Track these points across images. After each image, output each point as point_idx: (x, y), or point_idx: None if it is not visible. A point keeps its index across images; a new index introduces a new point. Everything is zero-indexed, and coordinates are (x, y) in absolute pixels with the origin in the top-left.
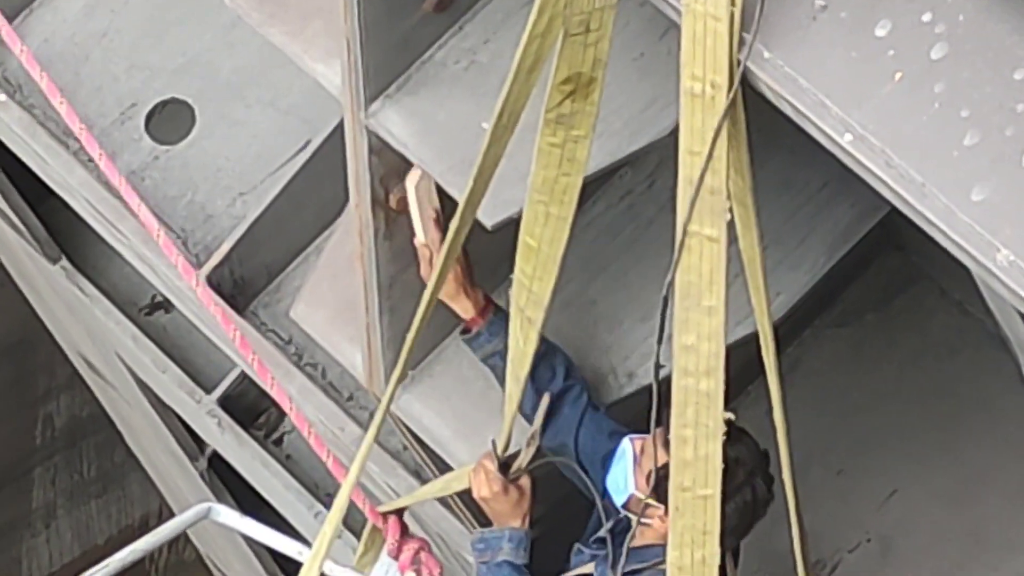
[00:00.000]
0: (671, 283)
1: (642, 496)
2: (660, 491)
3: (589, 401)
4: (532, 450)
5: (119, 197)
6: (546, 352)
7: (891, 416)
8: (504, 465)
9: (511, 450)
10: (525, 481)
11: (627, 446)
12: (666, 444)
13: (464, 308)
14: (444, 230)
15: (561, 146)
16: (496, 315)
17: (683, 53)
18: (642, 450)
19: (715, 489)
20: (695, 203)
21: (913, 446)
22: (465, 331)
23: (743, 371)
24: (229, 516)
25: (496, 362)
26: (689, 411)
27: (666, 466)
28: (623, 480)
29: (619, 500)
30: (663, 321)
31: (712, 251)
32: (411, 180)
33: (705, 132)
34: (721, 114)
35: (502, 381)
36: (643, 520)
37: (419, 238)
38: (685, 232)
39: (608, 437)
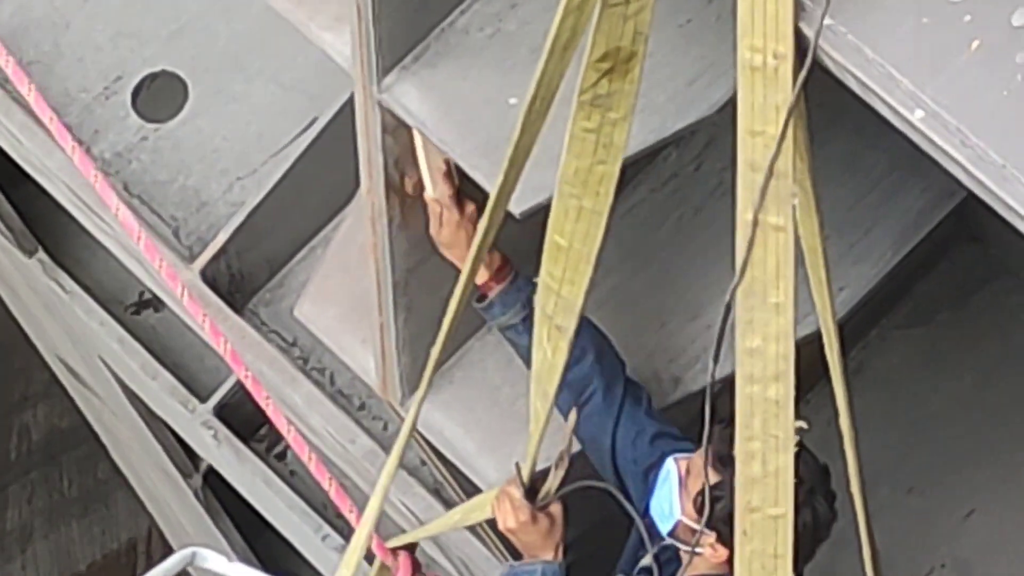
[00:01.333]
0: (735, 288)
1: (690, 523)
2: (710, 515)
3: (627, 389)
4: (562, 472)
5: (112, 186)
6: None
7: (969, 427)
8: (531, 490)
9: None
10: (556, 507)
11: (671, 467)
12: (716, 463)
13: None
14: (454, 183)
15: (596, 131)
16: (513, 283)
17: (740, 22)
18: (688, 470)
19: (787, 508)
20: (766, 191)
21: (994, 461)
22: (481, 298)
23: (802, 376)
24: (217, 561)
25: (513, 336)
26: (756, 422)
27: (716, 487)
28: (668, 505)
29: (665, 528)
30: (723, 327)
31: (778, 241)
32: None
33: (767, 109)
34: (789, 88)
35: (523, 358)
36: (693, 550)
37: (427, 192)
38: (755, 222)
39: (650, 443)
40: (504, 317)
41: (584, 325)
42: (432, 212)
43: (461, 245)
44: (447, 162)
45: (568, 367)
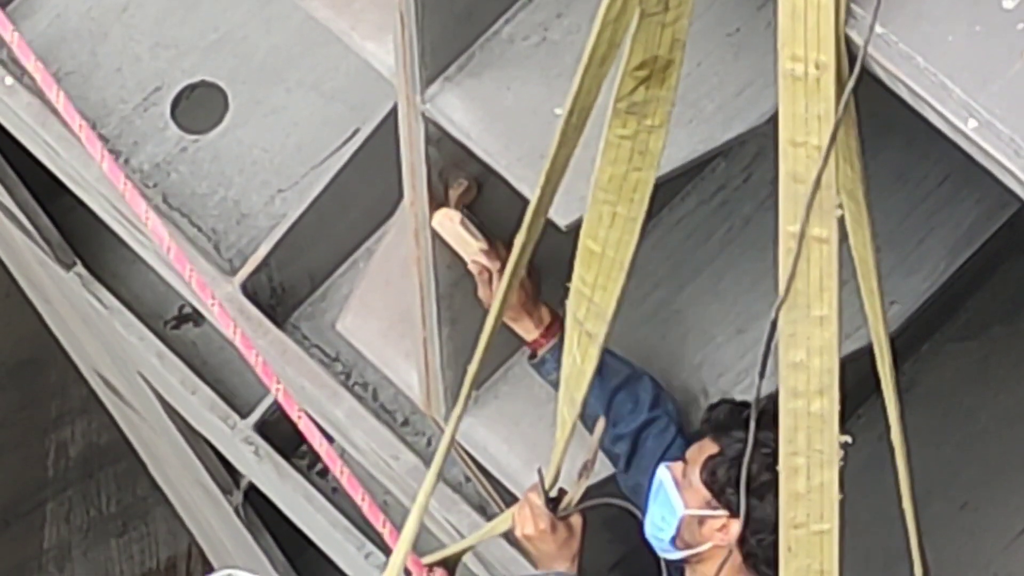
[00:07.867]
0: (780, 304)
1: (696, 511)
2: (720, 485)
3: (679, 433)
4: (585, 482)
5: (142, 194)
6: (630, 378)
7: (1022, 442)
8: (554, 500)
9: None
10: (576, 519)
11: (663, 475)
12: (713, 434)
13: (525, 328)
14: (500, 255)
15: (632, 138)
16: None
17: (781, 31)
18: (684, 465)
19: (832, 523)
20: (812, 204)
21: None
22: (532, 356)
23: (853, 392)
24: None
25: None
26: (800, 436)
27: (715, 456)
28: (668, 509)
29: (666, 536)
30: (769, 343)
31: (822, 254)
32: (437, 221)
33: (809, 119)
34: (831, 99)
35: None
36: (702, 548)
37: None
38: (802, 235)
39: None
40: (556, 373)
41: (635, 373)
42: (480, 279)
43: (515, 305)
44: (488, 239)
45: (623, 418)
